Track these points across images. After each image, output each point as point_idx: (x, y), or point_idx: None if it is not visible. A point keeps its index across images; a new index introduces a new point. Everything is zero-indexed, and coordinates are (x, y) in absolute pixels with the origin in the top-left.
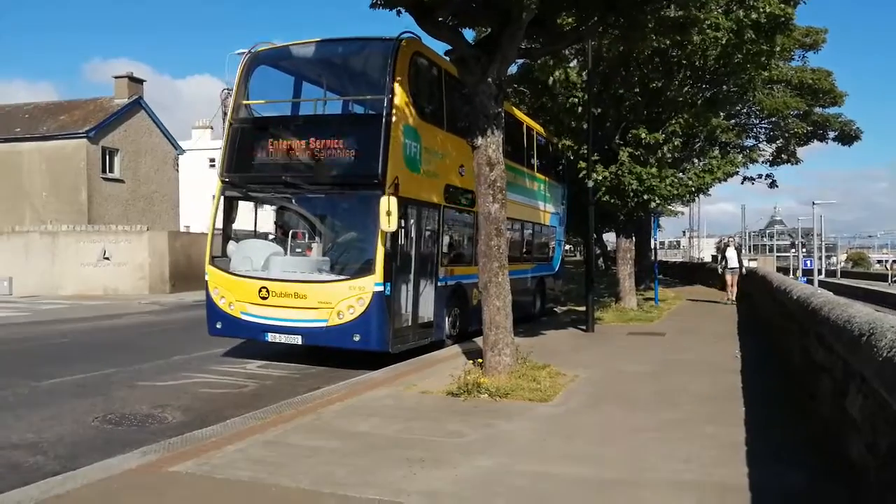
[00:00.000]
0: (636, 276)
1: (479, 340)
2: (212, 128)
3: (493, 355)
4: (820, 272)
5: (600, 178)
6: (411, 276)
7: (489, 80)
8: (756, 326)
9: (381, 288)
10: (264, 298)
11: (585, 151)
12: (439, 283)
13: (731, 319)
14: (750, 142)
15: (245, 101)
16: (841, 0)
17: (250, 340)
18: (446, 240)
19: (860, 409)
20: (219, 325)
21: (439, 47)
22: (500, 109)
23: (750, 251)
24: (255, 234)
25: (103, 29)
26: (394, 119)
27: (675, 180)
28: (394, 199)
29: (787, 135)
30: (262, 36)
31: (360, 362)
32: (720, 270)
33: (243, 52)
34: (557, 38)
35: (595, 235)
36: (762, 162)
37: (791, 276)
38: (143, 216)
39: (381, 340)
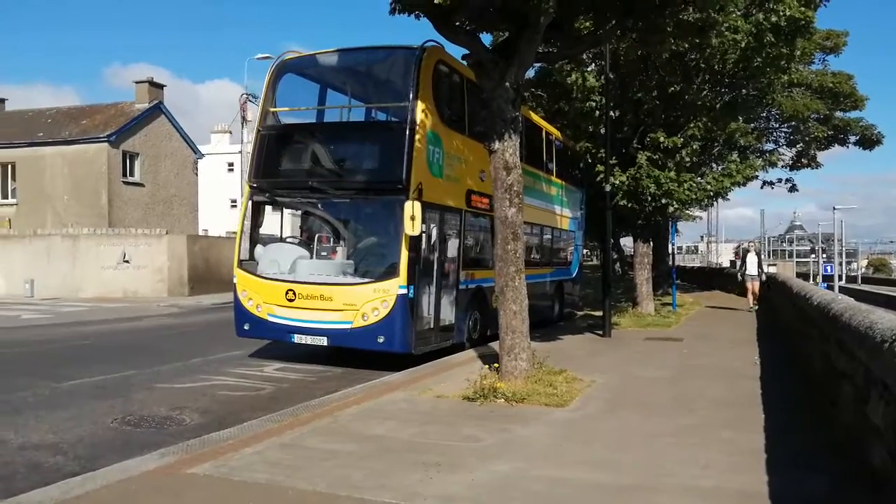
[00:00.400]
0: (653, 282)
1: (495, 345)
2: (231, 132)
3: (510, 360)
4: (840, 278)
5: (618, 182)
6: (434, 280)
7: (507, 84)
8: (775, 332)
9: (405, 291)
10: (291, 300)
11: (603, 155)
12: (460, 287)
13: (749, 325)
14: (770, 146)
15: (272, 109)
16: (863, 2)
17: (268, 343)
18: (467, 244)
19: (882, 416)
20: (246, 327)
21: (458, 52)
22: (517, 113)
23: (769, 256)
24: (282, 238)
25: (123, 33)
26: (417, 126)
27: (694, 184)
28: (417, 204)
29: (807, 139)
30: (279, 39)
31: (377, 364)
32: (740, 277)
33: (263, 58)
34: (575, 42)
35: (612, 240)
36: (782, 166)
37: (811, 281)
38: (162, 220)
39: (404, 342)
